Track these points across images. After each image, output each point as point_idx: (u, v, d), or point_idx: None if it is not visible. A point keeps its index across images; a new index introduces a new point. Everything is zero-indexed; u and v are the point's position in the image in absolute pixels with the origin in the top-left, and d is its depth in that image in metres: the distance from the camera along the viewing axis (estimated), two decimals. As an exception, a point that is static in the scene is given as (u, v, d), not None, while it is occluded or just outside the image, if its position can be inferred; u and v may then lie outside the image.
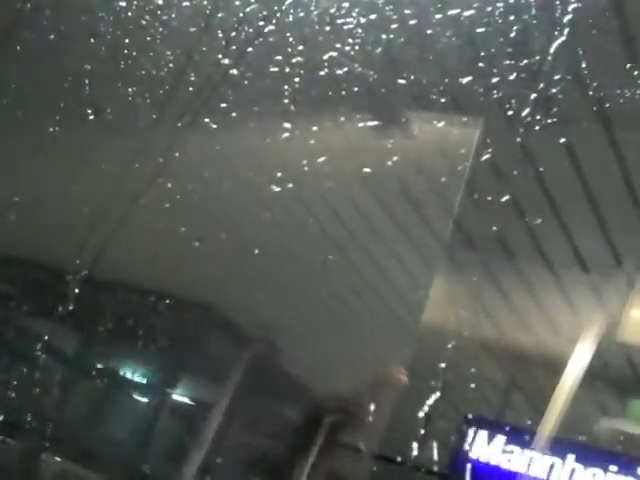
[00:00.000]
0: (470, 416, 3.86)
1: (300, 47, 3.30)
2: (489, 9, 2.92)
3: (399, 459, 3.24)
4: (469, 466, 3.81)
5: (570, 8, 2.61)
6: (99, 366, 4.71)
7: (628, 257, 3.61)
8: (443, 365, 3.68)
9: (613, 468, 3.56)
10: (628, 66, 2.80)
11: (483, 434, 3.87)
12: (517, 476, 3.77)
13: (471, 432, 3.88)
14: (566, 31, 2.67)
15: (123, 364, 4.71)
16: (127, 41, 3.69)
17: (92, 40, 3.75)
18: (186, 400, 4.87)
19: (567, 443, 3.69)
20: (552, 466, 3.71)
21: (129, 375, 4.79)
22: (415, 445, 2.79)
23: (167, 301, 3.91)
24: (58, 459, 4.12)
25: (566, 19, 2.64)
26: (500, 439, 3.84)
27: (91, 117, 3.89)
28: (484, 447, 3.87)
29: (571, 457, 3.63)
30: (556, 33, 2.69)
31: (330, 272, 3.88)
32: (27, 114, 3.94)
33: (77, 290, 3.45)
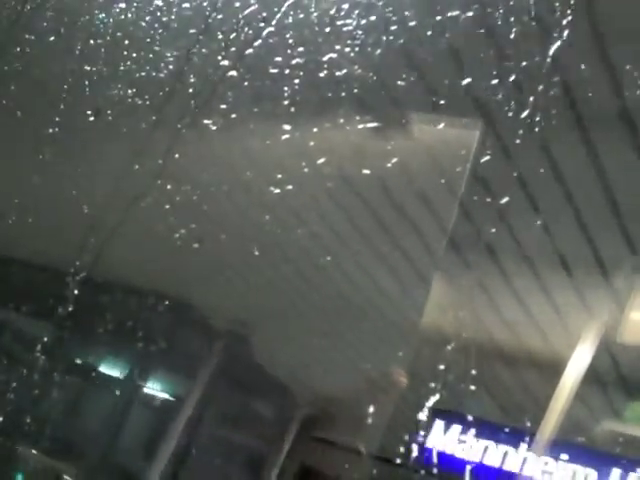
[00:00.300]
0: (429, 406, 3.70)
1: (300, 49, 3.31)
2: (489, 10, 2.92)
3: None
4: (425, 455, 3.78)
5: (569, 11, 2.60)
6: (74, 360, 4.79)
7: (628, 258, 3.61)
8: (442, 367, 3.68)
9: (564, 457, 3.71)
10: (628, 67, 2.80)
11: (440, 424, 4.01)
12: (472, 464, 3.92)
13: (429, 422, 3.82)
14: (565, 33, 2.67)
15: (98, 359, 4.79)
16: (127, 42, 3.70)
17: (92, 41, 3.76)
18: (161, 394, 4.97)
19: (521, 433, 3.73)
20: (505, 454, 3.89)
21: (104, 370, 4.88)
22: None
23: (144, 297, 3.95)
24: (33, 452, 4.19)
25: (565, 21, 2.64)
26: (456, 429, 3.99)
27: (91, 118, 3.90)
28: (441, 436, 4.00)
29: (524, 446, 3.77)
30: (555, 35, 2.69)
31: (329, 272, 3.88)
32: (27, 115, 3.94)
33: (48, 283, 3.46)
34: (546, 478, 3.77)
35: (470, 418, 3.88)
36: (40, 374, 3.83)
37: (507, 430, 3.85)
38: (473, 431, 4.05)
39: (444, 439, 4.02)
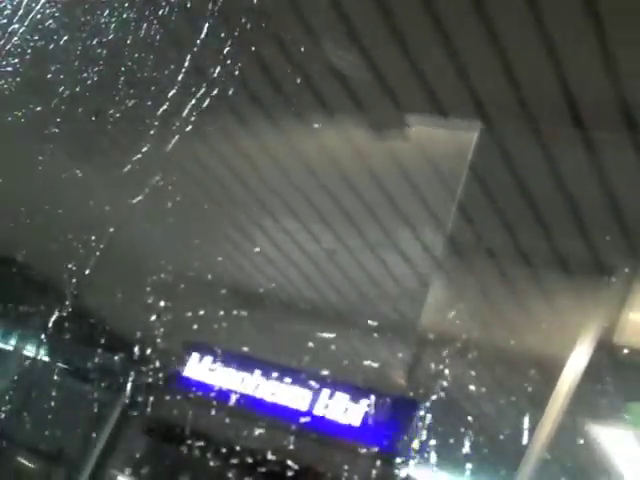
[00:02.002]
0: (186, 340, 4.84)
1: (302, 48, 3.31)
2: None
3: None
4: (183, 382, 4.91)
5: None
6: None
7: (627, 260, 3.61)
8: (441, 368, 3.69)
9: (287, 380, 4.67)
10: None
11: (195, 356, 5.02)
12: (219, 389, 4.84)
13: (186, 354, 5.00)
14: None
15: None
16: (128, 42, 3.71)
17: (93, 42, 3.77)
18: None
19: (254, 361, 4.74)
20: (243, 379, 4.83)
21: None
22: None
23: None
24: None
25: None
26: (208, 359, 4.96)
27: (93, 118, 3.91)
28: (195, 366, 4.99)
29: (258, 372, 4.78)
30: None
31: (329, 272, 3.89)
32: (27, 118, 3.95)
33: None
34: (272, 397, 4.75)
35: (219, 350, 4.87)
36: None
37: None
38: (221, 361, 4.97)
39: (198, 368, 5.01)
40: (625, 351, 3.70)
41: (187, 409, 4.24)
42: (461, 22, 2.82)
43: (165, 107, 3.58)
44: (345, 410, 4.52)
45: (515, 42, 2.80)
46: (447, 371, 3.70)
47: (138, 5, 3.40)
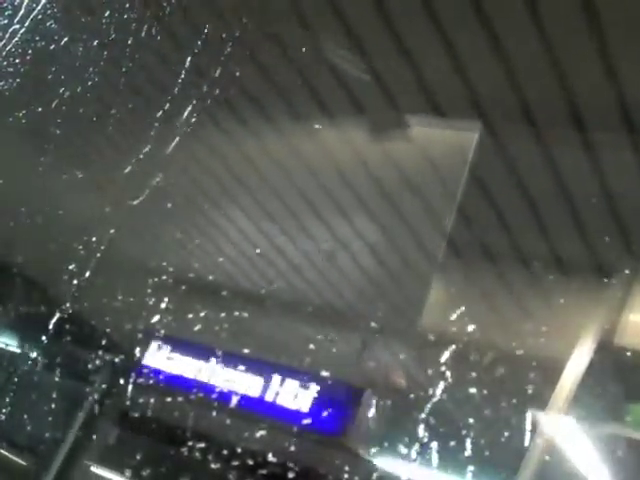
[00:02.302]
0: (143, 329, 4.91)
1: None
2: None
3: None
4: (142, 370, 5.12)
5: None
6: None
7: (627, 260, 3.60)
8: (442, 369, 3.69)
9: (241, 367, 4.92)
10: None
11: (154, 344, 5.22)
12: (177, 377, 5.10)
13: (145, 343, 5.18)
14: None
15: None
16: (130, 43, 3.71)
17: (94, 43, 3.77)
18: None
19: (211, 350, 4.99)
20: (200, 368, 5.10)
21: None
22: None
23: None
24: None
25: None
26: (166, 349, 5.21)
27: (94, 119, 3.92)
28: (154, 355, 5.23)
29: (214, 360, 5.02)
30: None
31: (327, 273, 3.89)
32: (28, 120, 3.96)
33: None
34: (229, 384, 4.98)
35: (176, 339, 5.14)
36: None
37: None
38: (179, 350, 5.25)
39: (157, 357, 5.26)
40: (626, 352, 3.69)
41: (150, 398, 4.46)
42: (461, 23, 2.82)
43: (165, 108, 3.58)
44: (295, 396, 4.74)
45: (514, 43, 2.79)
46: (446, 372, 3.70)
47: (138, 6, 3.40)
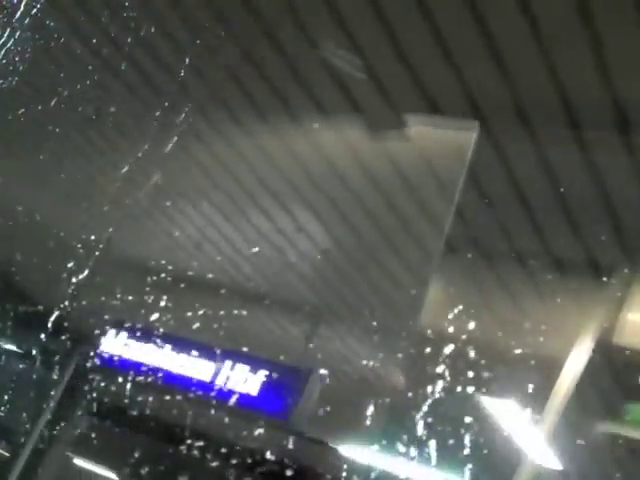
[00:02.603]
0: (105, 317, 5.31)
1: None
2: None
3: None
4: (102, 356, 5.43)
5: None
6: None
7: (625, 260, 3.60)
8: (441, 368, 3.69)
9: (194, 353, 5.16)
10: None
11: (112, 332, 5.50)
12: (132, 362, 5.32)
13: (104, 330, 5.48)
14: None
15: None
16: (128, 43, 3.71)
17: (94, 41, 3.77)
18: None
19: (166, 337, 5.20)
20: (155, 354, 5.29)
21: None
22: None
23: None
24: None
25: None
26: (123, 335, 5.46)
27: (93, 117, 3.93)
28: (112, 341, 5.49)
29: (168, 346, 5.26)
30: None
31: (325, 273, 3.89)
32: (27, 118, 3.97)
33: None
34: (182, 369, 5.17)
35: (132, 326, 5.36)
36: None
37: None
38: (136, 337, 5.44)
39: (114, 343, 5.50)
40: (624, 351, 3.68)
41: (111, 385, 4.82)
42: (456, 23, 2.81)
43: (162, 108, 3.58)
44: (244, 380, 4.98)
45: (510, 44, 2.78)
46: (445, 371, 3.70)
47: (134, 6, 3.40)
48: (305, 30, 3.12)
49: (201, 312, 4.52)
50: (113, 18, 3.37)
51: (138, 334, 5.42)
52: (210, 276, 4.96)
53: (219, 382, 5.03)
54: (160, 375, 5.16)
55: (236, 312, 4.68)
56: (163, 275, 4.67)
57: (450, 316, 3.80)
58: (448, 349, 3.69)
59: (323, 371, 4.48)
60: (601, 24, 2.50)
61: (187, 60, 3.21)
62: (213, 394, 5.00)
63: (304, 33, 3.12)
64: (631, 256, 3.52)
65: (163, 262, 4.86)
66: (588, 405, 4.00)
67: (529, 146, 3.14)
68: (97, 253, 3.86)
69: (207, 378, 5.06)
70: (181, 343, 5.25)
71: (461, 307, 3.80)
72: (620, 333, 3.64)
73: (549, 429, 3.69)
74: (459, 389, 3.76)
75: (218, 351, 5.03)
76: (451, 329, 3.78)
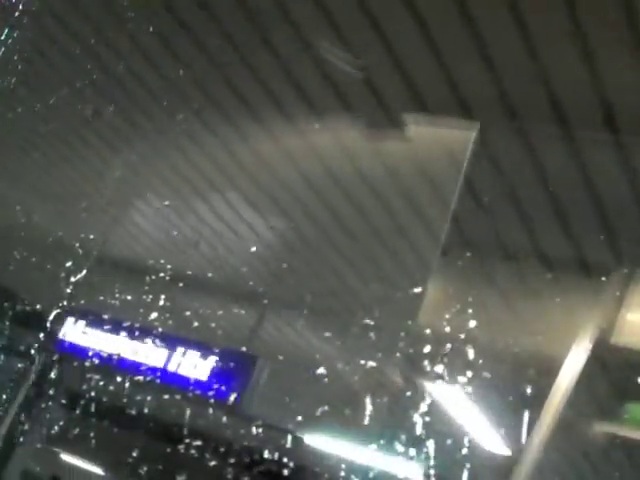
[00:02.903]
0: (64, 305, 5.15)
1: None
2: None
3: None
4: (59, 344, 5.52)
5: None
6: None
7: (624, 259, 3.59)
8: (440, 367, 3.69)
9: (147, 340, 5.25)
10: None
11: (70, 320, 5.59)
12: (89, 349, 5.45)
13: (63, 318, 5.53)
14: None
15: None
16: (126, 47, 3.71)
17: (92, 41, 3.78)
18: None
19: (120, 325, 5.33)
20: (107, 339, 5.47)
21: None
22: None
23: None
24: None
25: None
26: (81, 323, 5.58)
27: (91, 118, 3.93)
28: (70, 329, 5.61)
29: (123, 334, 5.37)
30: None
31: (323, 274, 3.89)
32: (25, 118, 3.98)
33: None
34: (136, 356, 5.34)
35: (90, 314, 5.50)
36: None
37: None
38: (92, 325, 5.56)
39: (73, 331, 5.61)
40: (623, 351, 3.67)
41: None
42: (448, 25, 2.80)
43: (158, 109, 3.59)
44: (195, 366, 5.16)
45: (500, 44, 2.78)
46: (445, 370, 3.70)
47: (130, 9, 3.41)
48: (299, 31, 3.12)
49: (160, 303, 4.60)
50: (106, 20, 3.37)
51: (95, 322, 5.59)
52: (209, 275, 5.00)
53: (171, 368, 5.20)
54: (114, 361, 5.37)
55: (184, 299, 4.79)
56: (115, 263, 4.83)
57: (447, 315, 3.80)
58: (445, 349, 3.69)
59: (322, 370, 4.48)
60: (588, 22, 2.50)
61: (179, 61, 3.22)
62: (164, 379, 5.20)
63: (298, 34, 3.12)
64: (629, 256, 3.51)
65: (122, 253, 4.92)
66: (586, 405, 3.99)
67: (522, 146, 3.14)
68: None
69: (159, 364, 5.23)
70: (134, 330, 5.37)
71: (458, 307, 3.81)
72: (618, 333, 3.63)
73: (546, 430, 3.69)
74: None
75: (169, 338, 5.22)
76: (448, 329, 3.78)
